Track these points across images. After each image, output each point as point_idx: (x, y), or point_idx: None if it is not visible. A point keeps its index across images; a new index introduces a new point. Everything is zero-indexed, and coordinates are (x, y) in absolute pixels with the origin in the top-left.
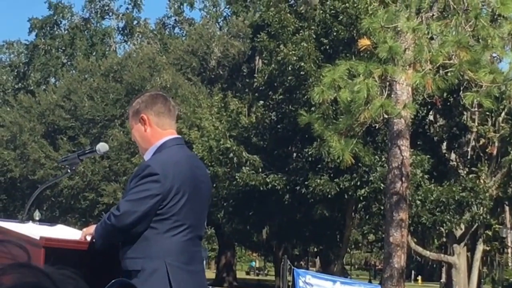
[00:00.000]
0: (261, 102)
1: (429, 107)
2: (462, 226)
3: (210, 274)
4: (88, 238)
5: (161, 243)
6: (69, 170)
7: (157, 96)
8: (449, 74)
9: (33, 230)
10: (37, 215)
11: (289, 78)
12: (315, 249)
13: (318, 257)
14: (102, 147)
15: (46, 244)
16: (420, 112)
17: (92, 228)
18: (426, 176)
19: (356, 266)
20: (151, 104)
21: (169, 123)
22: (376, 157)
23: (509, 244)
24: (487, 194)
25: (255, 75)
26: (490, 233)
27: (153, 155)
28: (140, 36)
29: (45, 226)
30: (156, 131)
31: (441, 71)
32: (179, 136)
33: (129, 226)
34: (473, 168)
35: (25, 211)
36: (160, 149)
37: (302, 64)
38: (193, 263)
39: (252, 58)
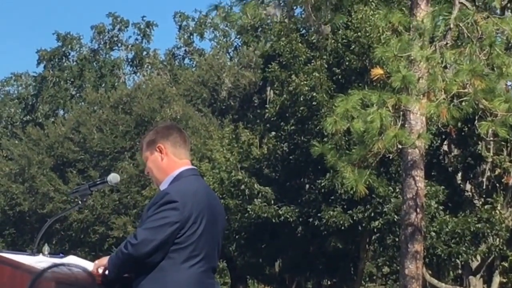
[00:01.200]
0: (273, 133)
1: (444, 137)
2: (478, 258)
3: None
4: (100, 270)
5: (178, 274)
6: (80, 202)
7: (172, 127)
8: (463, 103)
9: (44, 262)
10: (46, 249)
11: (301, 108)
12: (329, 282)
13: None
14: (113, 178)
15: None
16: (435, 142)
17: (104, 260)
18: (441, 207)
19: None
20: (167, 134)
21: (184, 153)
22: (390, 188)
23: None
24: (503, 225)
25: (267, 105)
26: (506, 264)
27: (170, 184)
28: (149, 67)
29: (56, 258)
30: (172, 161)
31: (455, 100)
32: (195, 167)
33: (147, 255)
34: (489, 199)
35: (35, 244)
36: (177, 179)
37: (314, 94)
38: None
39: (263, 88)
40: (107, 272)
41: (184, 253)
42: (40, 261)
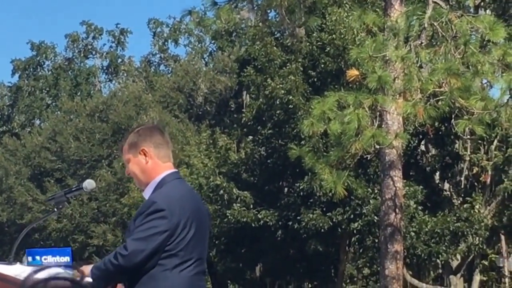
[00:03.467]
0: (250, 137)
1: (421, 136)
2: (458, 257)
3: None
4: (85, 279)
5: (169, 280)
6: (55, 209)
7: (154, 128)
8: (440, 102)
9: (21, 271)
10: (26, 260)
11: (278, 112)
12: (310, 285)
13: None
14: (88, 184)
15: (33, 285)
16: (412, 142)
17: (87, 269)
18: (420, 207)
19: None
20: (150, 136)
21: (168, 155)
22: (369, 189)
23: (506, 274)
24: (482, 224)
25: (243, 110)
26: (486, 263)
27: (154, 191)
28: (125, 74)
29: (33, 267)
30: (156, 164)
31: (431, 100)
32: (177, 170)
33: (138, 265)
34: (467, 198)
35: (12, 252)
36: (161, 185)
37: (291, 97)
38: None
39: (239, 93)
40: (88, 281)
41: (174, 259)
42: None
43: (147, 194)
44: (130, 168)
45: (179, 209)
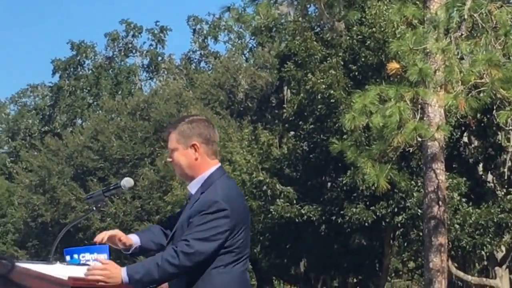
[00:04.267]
0: (292, 132)
1: (463, 128)
2: (503, 248)
3: None
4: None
5: (225, 276)
6: (94, 208)
7: (207, 123)
8: (481, 93)
9: (61, 270)
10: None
11: (319, 106)
12: (355, 280)
13: None
14: (127, 182)
15: (74, 284)
16: (454, 134)
17: (113, 268)
18: (463, 199)
19: None
20: (203, 132)
21: (216, 151)
22: (412, 182)
23: None
24: None
25: (284, 105)
26: None
27: (202, 186)
28: (165, 72)
29: (73, 266)
30: (205, 161)
31: (473, 91)
32: (220, 165)
33: (200, 264)
34: (511, 189)
35: (52, 252)
36: (210, 181)
37: (332, 91)
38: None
39: (280, 88)
40: (126, 279)
41: (230, 255)
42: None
43: (193, 188)
44: (175, 158)
45: (237, 208)
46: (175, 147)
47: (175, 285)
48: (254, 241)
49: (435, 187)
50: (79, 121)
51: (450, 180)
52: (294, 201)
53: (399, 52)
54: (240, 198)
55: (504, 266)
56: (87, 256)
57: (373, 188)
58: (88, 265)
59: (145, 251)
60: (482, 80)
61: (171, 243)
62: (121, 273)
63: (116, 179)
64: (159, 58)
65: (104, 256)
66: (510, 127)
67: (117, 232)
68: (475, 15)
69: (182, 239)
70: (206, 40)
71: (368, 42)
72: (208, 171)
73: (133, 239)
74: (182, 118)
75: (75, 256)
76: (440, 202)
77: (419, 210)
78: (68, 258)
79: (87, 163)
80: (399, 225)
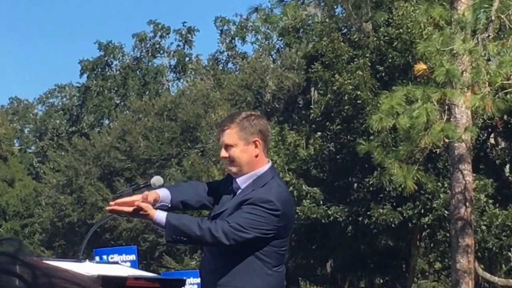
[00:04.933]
0: (319, 133)
1: (490, 130)
2: None
3: None
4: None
5: (269, 276)
6: None
7: (264, 120)
8: (508, 95)
9: (91, 268)
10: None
11: (346, 107)
12: (381, 281)
13: None
14: (157, 180)
15: (104, 282)
16: (481, 136)
17: (151, 210)
18: (490, 201)
19: None
20: (265, 130)
21: (268, 149)
22: (439, 183)
23: None
24: None
25: (311, 106)
26: None
27: (254, 183)
28: (192, 72)
29: (102, 264)
30: (262, 158)
31: (500, 92)
32: (272, 163)
33: (238, 251)
34: None
35: (81, 250)
36: (262, 180)
37: (359, 92)
38: None
39: (307, 89)
40: (162, 219)
41: (276, 257)
42: (86, 267)
43: (242, 183)
44: (233, 154)
45: (288, 212)
46: (234, 143)
47: (223, 273)
48: None
49: (462, 188)
50: (106, 121)
51: (477, 181)
52: (321, 202)
53: (426, 53)
54: (290, 203)
55: None
56: (116, 257)
57: (400, 189)
58: (117, 263)
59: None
60: (509, 82)
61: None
62: (156, 211)
63: (143, 179)
64: (187, 59)
65: (132, 257)
66: None
67: (138, 197)
68: (502, 16)
69: (228, 219)
70: (233, 41)
71: (395, 43)
72: (261, 169)
73: (161, 194)
74: (238, 114)
75: (104, 256)
76: (467, 203)
77: (446, 211)
78: (97, 258)
79: (114, 164)
80: (425, 226)
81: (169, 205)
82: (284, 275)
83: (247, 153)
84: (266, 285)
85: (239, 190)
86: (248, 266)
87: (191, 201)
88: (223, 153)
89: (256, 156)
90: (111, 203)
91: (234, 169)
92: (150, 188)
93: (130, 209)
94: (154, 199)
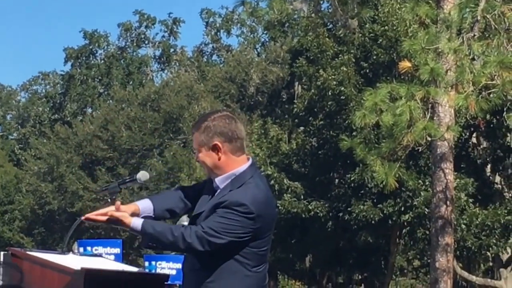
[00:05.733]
0: (302, 128)
1: (472, 129)
2: (509, 250)
3: None
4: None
5: (247, 278)
6: (109, 200)
7: (227, 120)
8: (492, 95)
9: (74, 261)
10: (75, 247)
11: (329, 103)
12: (360, 277)
13: (362, 285)
14: (142, 175)
15: (87, 274)
16: (463, 135)
17: (127, 218)
18: (470, 200)
19: None
20: (223, 130)
21: (241, 147)
22: (420, 181)
23: None
24: None
25: (295, 101)
26: None
27: (232, 183)
28: (177, 64)
29: (86, 257)
30: (230, 159)
31: (483, 92)
32: (252, 161)
33: (213, 256)
34: None
35: (65, 242)
36: (241, 180)
37: (342, 88)
38: None
39: (291, 83)
40: (138, 227)
41: (256, 258)
42: (70, 260)
43: (221, 183)
44: (200, 159)
45: (265, 212)
46: (198, 148)
47: (202, 277)
48: None
49: (444, 186)
50: (89, 110)
51: (458, 180)
52: (302, 197)
53: (411, 51)
54: (270, 203)
55: (509, 268)
56: (100, 249)
57: (381, 186)
58: (101, 256)
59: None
60: (493, 82)
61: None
62: (132, 219)
63: (125, 169)
64: (171, 50)
65: (117, 250)
66: None
67: (107, 210)
68: (488, 16)
69: (201, 224)
70: (218, 33)
71: (380, 40)
72: (240, 168)
73: (140, 207)
74: (204, 117)
75: (88, 248)
76: (448, 202)
77: (426, 209)
78: (81, 250)
79: (96, 152)
80: (405, 223)
81: (153, 216)
82: (266, 273)
83: (211, 157)
84: (244, 286)
85: (218, 190)
86: (227, 268)
87: (176, 208)
88: (195, 158)
89: (219, 159)
90: (87, 215)
91: (206, 172)
92: (136, 182)
93: (104, 218)
94: (133, 212)
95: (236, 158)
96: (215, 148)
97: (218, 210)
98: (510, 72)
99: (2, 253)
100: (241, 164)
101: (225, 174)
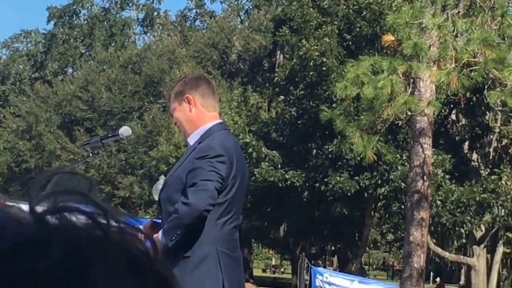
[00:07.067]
0: (282, 97)
1: (452, 106)
2: (483, 228)
3: None
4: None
5: (213, 229)
6: (90, 154)
7: (201, 78)
8: (473, 72)
9: None
10: None
11: (311, 73)
12: (333, 248)
13: (335, 256)
14: (125, 131)
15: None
16: (443, 111)
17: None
18: (447, 176)
19: (374, 266)
20: (196, 85)
21: (213, 104)
22: (397, 155)
23: None
24: (508, 196)
25: (276, 69)
26: (510, 235)
27: (201, 139)
28: (160, 28)
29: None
30: (201, 112)
31: (465, 69)
32: (222, 120)
33: (212, 199)
34: (495, 169)
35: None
36: (208, 133)
37: (324, 59)
38: (236, 250)
39: (273, 52)
40: (161, 241)
41: (220, 209)
42: None
43: (192, 140)
44: (175, 116)
45: (231, 159)
46: (173, 108)
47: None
48: None
49: (421, 161)
50: (70, 70)
51: (435, 156)
52: (279, 166)
53: (394, 25)
54: (237, 153)
55: (482, 245)
56: None
57: (359, 158)
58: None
59: None
60: (476, 59)
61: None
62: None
63: (103, 130)
64: (155, 13)
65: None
66: (499, 108)
67: None
68: None
69: (189, 185)
70: None
71: (364, 12)
72: (207, 124)
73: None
74: (178, 80)
75: None
76: (425, 177)
77: (402, 184)
78: None
79: (75, 113)
80: (381, 196)
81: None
82: (234, 228)
83: (183, 111)
84: (209, 238)
85: (190, 147)
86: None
87: None
88: (172, 121)
89: (190, 110)
90: None
91: (182, 132)
92: (118, 137)
93: None
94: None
95: (207, 113)
96: (187, 101)
97: (195, 165)
98: (493, 50)
99: None
100: (212, 120)
101: (196, 130)
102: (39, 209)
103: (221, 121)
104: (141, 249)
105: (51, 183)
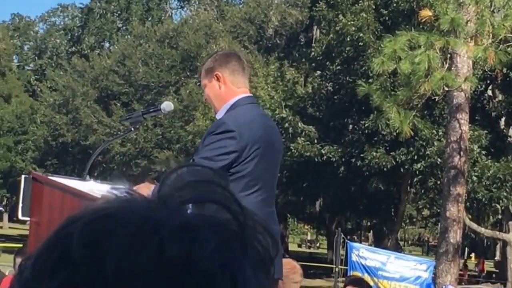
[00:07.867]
0: (318, 72)
1: (488, 81)
2: None
3: None
4: None
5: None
6: (132, 129)
7: (231, 55)
8: (510, 48)
9: (95, 187)
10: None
11: (347, 48)
12: (369, 223)
13: (371, 232)
14: (167, 106)
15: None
16: (479, 87)
17: (146, 189)
18: (483, 152)
19: (410, 242)
20: (225, 62)
21: (243, 81)
22: (434, 131)
23: None
24: None
25: (313, 44)
26: None
27: (226, 113)
28: (197, 2)
29: (106, 184)
30: (230, 89)
31: (502, 45)
32: (252, 95)
33: None
34: None
35: (86, 169)
36: (234, 107)
37: (361, 34)
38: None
39: (310, 27)
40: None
41: (241, 182)
42: (90, 186)
43: (219, 115)
44: (205, 92)
45: (248, 131)
46: (204, 84)
47: None
48: None
49: (458, 137)
50: (107, 45)
51: (471, 132)
52: (315, 141)
53: (431, 0)
54: (259, 126)
55: None
56: None
57: (395, 133)
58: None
59: None
60: None
61: None
62: None
63: (140, 105)
64: None
65: None
66: None
67: None
68: None
69: (192, 159)
70: None
71: None
72: (234, 99)
73: None
74: (208, 56)
75: None
76: (462, 153)
77: (439, 159)
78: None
79: (112, 87)
80: (417, 172)
81: None
82: (263, 201)
83: (213, 88)
84: None
85: None
86: None
87: None
88: (204, 97)
89: (220, 87)
90: None
91: (213, 108)
92: (160, 112)
93: None
94: None
95: (236, 89)
96: (216, 78)
97: (204, 140)
98: None
99: (23, 176)
100: (238, 95)
101: (223, 106)
102: (181, 197)
103: (249, 95)
104: (266, 246)
105: (179, 173)
